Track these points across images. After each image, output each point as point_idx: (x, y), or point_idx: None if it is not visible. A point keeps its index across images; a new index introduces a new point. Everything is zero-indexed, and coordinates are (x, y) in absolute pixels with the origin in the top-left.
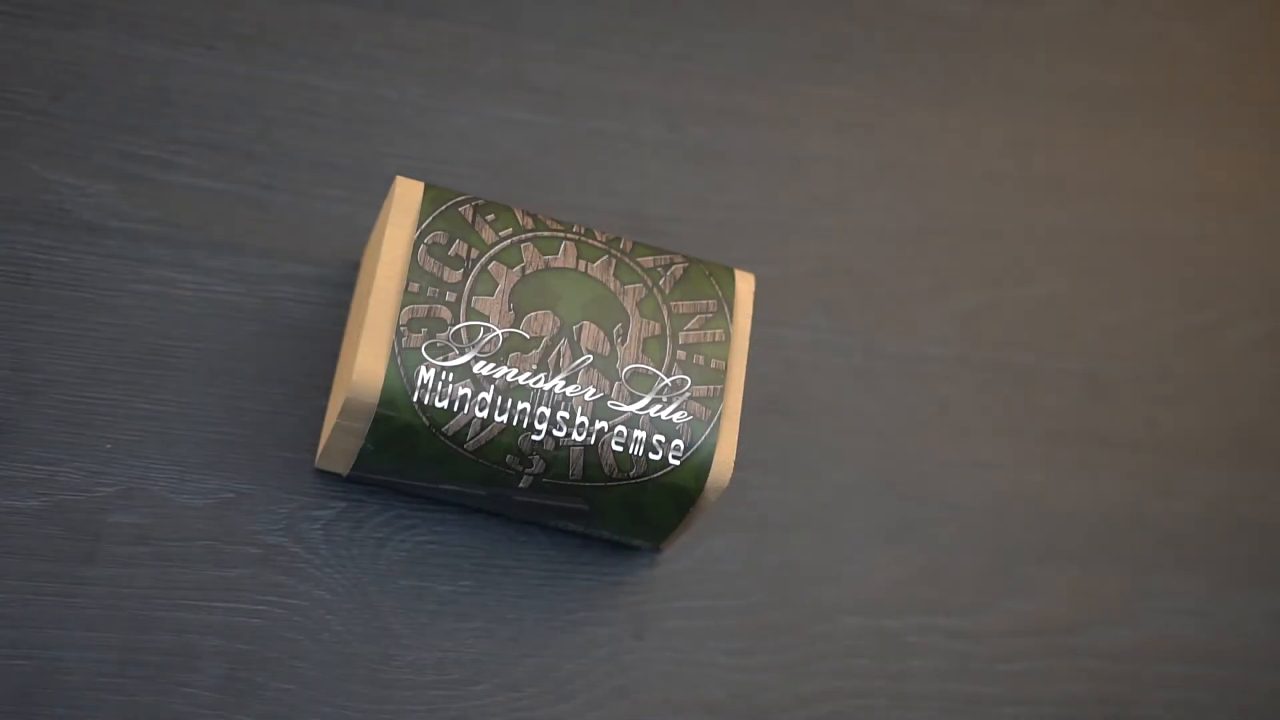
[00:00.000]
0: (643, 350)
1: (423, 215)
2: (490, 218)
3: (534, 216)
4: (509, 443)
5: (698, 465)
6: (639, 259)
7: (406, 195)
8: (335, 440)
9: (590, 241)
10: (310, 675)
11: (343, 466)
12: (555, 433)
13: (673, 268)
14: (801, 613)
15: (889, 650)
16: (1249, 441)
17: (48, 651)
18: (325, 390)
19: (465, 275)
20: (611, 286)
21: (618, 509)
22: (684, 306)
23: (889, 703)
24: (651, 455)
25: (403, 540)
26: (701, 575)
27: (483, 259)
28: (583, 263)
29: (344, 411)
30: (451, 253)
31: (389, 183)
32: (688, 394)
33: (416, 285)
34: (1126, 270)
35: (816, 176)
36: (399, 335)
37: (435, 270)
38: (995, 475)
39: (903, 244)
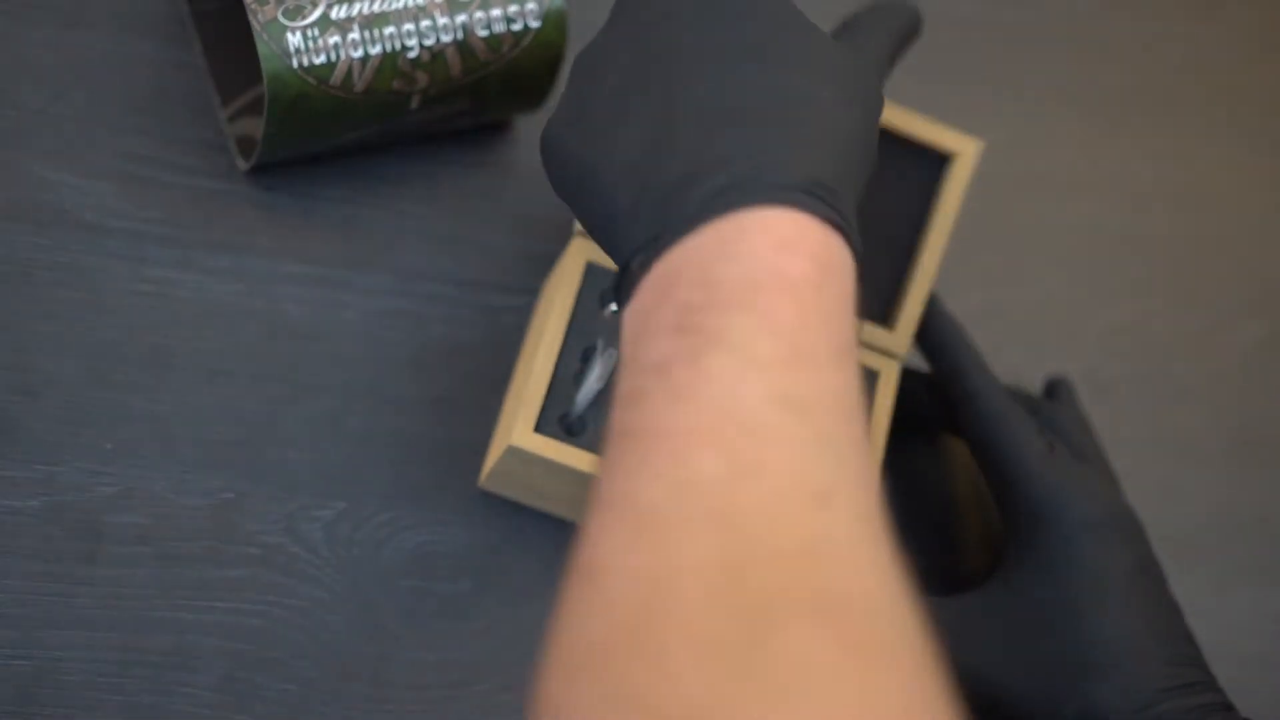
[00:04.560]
0: None
1: None
2: None
3: None
4: (390, 69)
5: (555, 16)
6: None
7: (579, 254)
8: (502, 465)
9: None
10: (310, 675)
11: (501, 487)
12: (426, 43)
13: None
14: None
15: None
16: (1250, 442)
17: (48, 651)
18: (325, 390)
19: None
20: None
21: (500, 90)
22: None
23: None
24: (513, 26)
25: (403, 540)
26: None
27: None
28: None
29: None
30: None
31: (387, 183)
32: None
33: None
34: (1126, 270)
35: None
36: (252, 13)
37: None
38: None
39: None
